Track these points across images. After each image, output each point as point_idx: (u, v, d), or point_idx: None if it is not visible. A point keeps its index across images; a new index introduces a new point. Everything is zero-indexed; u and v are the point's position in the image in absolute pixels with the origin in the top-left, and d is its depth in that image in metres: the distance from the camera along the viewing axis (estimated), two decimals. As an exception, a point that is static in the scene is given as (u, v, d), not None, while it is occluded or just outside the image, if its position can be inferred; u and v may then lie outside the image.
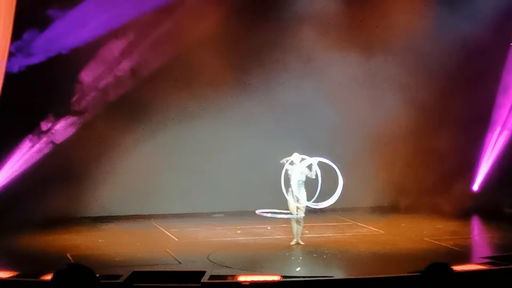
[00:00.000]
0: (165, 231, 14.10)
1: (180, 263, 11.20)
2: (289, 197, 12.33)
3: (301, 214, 12.43)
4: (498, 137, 15.98)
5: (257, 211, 12.74)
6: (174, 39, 15.00)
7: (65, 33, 14.49)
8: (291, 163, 12.36)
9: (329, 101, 15.29)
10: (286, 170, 12.36)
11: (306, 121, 15.40)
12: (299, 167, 12.32)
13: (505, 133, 15.88)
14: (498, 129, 15.98)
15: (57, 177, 14.54)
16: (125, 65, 15.08)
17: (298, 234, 12.57)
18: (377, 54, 15.55)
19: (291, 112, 15.55)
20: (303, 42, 15.31)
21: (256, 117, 15.35)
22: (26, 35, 14.40)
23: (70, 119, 15.00)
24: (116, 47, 14.98)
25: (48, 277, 8.75)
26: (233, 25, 14.88)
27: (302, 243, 12.56)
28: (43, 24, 14.47)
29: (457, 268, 8.82)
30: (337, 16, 15.22)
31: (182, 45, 15.00)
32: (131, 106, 15.11)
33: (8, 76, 14.15)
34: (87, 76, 14.98)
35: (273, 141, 12.94)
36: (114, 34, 14.84)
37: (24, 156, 14.69)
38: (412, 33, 15.17)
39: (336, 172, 12.26)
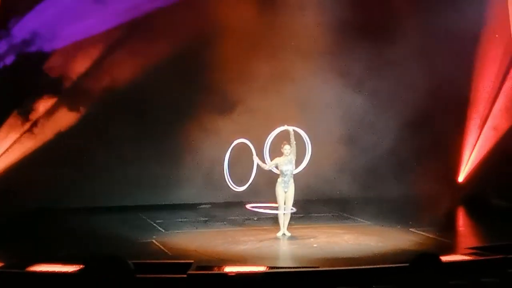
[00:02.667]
0: (152, 222, 14.06)
1: (167, 253, 11.17)
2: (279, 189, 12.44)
3: (290, 206, 12.47)
4: (482, 128, 16.04)
5: (248, 206, 12.90)
6: (176, 30, 14.92)
7: (57, 22, 14.43)
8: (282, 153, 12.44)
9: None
10: (277, 165, 12.43)
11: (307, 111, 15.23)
12: (289, 158, 12.38)
13: (491, 123, 15.93)
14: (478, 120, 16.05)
15: (46, 167, 14.50)
16: (122, 56, 14.98)
17: (285, 225, 12.59)
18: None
19: (292, 104, 15.34)
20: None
21: (259, 109, 15.21)
22: (11, 24, 14.32)
23: (59, 109, 14.94)
24: (114, 37, 14.90)
25: (35, 268, 8.71)
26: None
27: (288, 234, 12.58)
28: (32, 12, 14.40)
29: (444, 258, 8.85)
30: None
31: (183, 37, 14.91)
32: (122, 97, 15.04)
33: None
34: (79, 66, 14.90)
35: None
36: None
37: (12, 145, 14.63)
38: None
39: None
